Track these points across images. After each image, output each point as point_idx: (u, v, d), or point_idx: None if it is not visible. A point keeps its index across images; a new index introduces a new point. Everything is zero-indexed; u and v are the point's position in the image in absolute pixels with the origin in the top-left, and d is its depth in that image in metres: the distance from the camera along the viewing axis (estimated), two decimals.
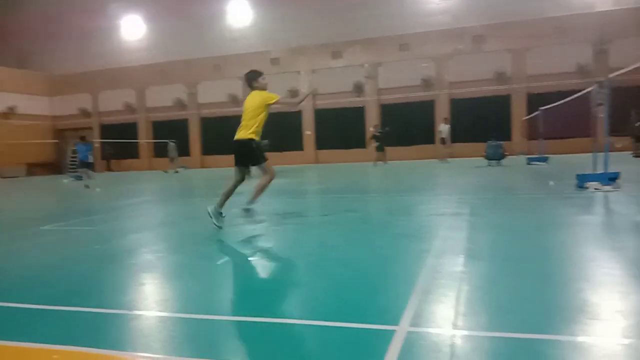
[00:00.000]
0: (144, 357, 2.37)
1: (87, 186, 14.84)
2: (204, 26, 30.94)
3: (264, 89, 5.79)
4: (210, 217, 5.72)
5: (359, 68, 28.04)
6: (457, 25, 26.42)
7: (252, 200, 5.74)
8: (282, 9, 29.27)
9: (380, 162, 20.50)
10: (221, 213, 5.82)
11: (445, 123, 22.22)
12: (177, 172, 25.04)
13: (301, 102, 6.41)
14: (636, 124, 19.43)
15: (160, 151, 31.13)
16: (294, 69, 28.86)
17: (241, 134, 5.65)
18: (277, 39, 29.45)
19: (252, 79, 5.81)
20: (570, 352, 2.16)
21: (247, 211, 5.73)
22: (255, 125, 5.58)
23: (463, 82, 26.49)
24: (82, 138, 16.56)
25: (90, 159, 15.95)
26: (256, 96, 5.68)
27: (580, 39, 24.44)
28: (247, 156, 5.71)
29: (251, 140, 5.59)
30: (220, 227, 5.71)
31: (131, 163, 32.81)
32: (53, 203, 12.20)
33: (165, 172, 25.03)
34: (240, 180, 5.89)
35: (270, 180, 5.74)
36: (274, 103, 5.63)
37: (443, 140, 21.96)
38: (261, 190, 5.74)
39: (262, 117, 5.62)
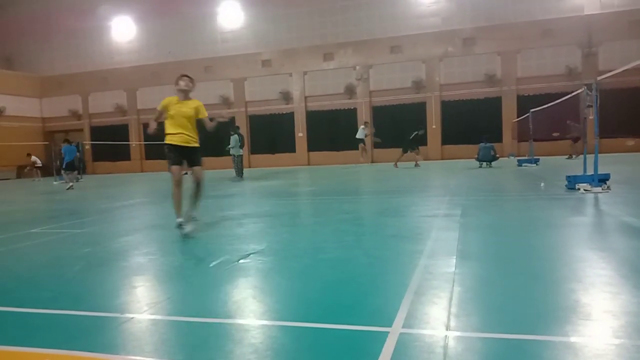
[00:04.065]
0: None
1: (70, 188, 14.66)
2: (195, 27, 30.82)
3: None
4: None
5: (351, 70, 28.07)
6: (447, 28, 26.56)
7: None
8: (274, 11, 29.24)
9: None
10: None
11: (365, 126, 23.21)
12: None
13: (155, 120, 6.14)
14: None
15: (151, 153, 30.99)
16: (286, 70, 28.82)
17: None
18: (269, 41, 29.41)
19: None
20: (562, 352, 2.17)
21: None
22: None
23: (454, 84, 26.63)
24: (66, 140, 16.41)
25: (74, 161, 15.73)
26: None
27: (568, 41, 24.65)
28: None
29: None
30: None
31: (122, 165, 32.59)
32: (43, 205, 12.09)
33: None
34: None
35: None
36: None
37: (363, 142, 22.88)
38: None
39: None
